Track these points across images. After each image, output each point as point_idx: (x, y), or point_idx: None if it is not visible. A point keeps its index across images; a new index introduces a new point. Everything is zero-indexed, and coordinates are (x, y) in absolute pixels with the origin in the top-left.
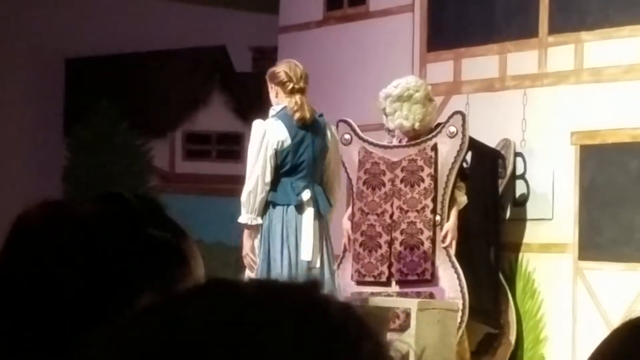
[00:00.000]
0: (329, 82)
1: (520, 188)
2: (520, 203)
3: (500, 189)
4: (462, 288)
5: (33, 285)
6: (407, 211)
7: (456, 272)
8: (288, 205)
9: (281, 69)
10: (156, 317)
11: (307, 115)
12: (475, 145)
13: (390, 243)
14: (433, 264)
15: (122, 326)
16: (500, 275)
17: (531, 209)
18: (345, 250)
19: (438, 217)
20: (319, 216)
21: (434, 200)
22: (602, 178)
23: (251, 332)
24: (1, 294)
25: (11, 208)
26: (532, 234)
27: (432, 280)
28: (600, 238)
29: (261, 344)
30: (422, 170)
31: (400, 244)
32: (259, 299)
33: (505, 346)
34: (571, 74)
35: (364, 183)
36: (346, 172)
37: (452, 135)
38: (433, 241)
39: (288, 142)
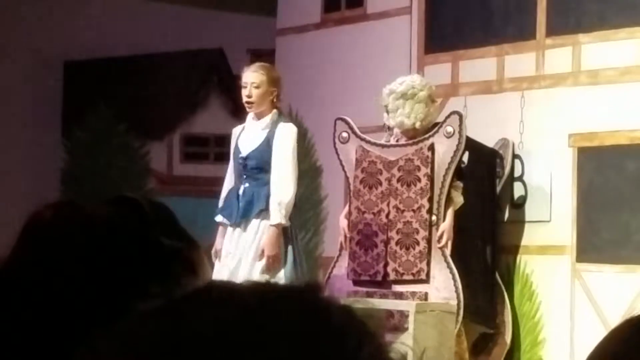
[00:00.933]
0: (326, 84)
1: (518, 190)
2: (518, 205)
3: (498, 189)
4: (457, 288)
5: (43, 283)
6: (403, 211)
7: (451, 272)
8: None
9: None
10: (158, 319)
11: None
12: (472, 145)
13: (386, 242)
14: (428, 263)
15: (124, 328)
16: (497, 275)
17: (529, 211)
18: (341, 248)
19: (434, 217)
20: None
21: (430, 200)
22: (599, 180)
23: (253, 335)
24: (11, 290)
25: (9, 210)
26: (530, 235)
27: (428, 280)
28: (598, 240)
29: (263, 348)
30: (419, 169)
31: (396, 243)
32: (260, 302)
33: (501, 346)
34: (569, 76)
35: (361, 182)
36: (343, 170)
37: (449, 135)
38: (429, 241)
39: None
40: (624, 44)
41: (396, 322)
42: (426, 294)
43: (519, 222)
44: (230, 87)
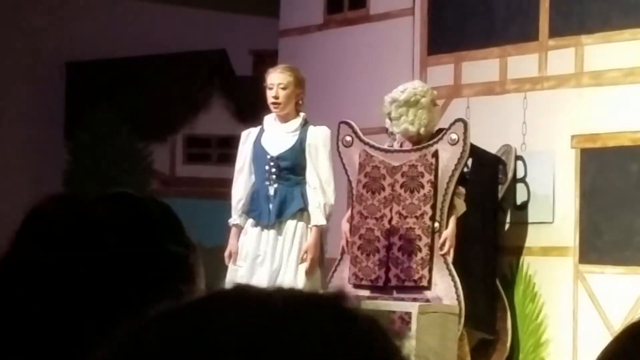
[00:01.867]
0: (329, 85)
1: (520, 191)
2: (521, 206)
3: (500, 195)
4: (458, 296)
5: (42, 278)
6: (406, 217)
7: (453, 279)
8: None
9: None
10: (182, 320)
11: None
12: (475, 152)
13: (388, 248)
14: (430, 270)
15: (146, 325)
16: (497, 282)
17: (532, 213)
18: (343, 252)
19: (437, 224)
20: None
21: (433, 207)
22: (602, 181)
23: (279, 342)
24: (10, 285)
25: (12, 211)
26: (533, 237)
27: (429, 287)
28: (600, 241)
29: (289, 354)
30: (422, 176)
31: (398, 249)
32: (288, 309)
33: (500, 352)
34: (572, 77)
35: (364, 186)
36: (346, 174)
37: (453, 143)
38: (431, 248)
39: None
40: (627, 45)
41: (397, 329)
42: (427, 300)
43: (521, 223)
44: (233, 89)
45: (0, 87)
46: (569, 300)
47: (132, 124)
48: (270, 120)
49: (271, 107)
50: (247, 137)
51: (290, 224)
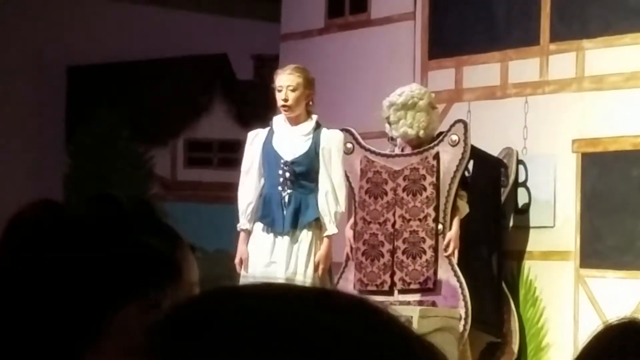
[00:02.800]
0: (330, 89)
1: (521, 196)
2: (522, 210)
3: (503, 198)
4: (464, 297)
5: (22, 283)
6: (409, 220)
7: (458, 280)
8: None
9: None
10: (217, 305)
11: None
12: (477, 154)
13: (392, 252)
14: (435, 272)
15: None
16: (503, 284)
17: (533, 217)
18: (347, 259)
19: (440, 226)
20: None
21: (436, 209)
22: (603, 186)
23: (314, 342)
24: None
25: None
26: (534, 241)
27: (435, 289)
28: (601, 246)
29: (324, 354)
30: (424, 179)
31: (403, 252)
32: (320, 306)
33: (508, 355)
34: (573, 82)
35: (366, 192)
36: (348, 181)
37: (454, 144)
38: (435, 250)
39: None
40: (628, 50)
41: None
42: (433, 302)
43: (522, 227)
44: (234, 93)
45: (1, 90)
46: (569, 304)
47: (134, 127)
48: (280, 121)
49: (281, 109)
50: (255, 138)
51: (304, 233)
